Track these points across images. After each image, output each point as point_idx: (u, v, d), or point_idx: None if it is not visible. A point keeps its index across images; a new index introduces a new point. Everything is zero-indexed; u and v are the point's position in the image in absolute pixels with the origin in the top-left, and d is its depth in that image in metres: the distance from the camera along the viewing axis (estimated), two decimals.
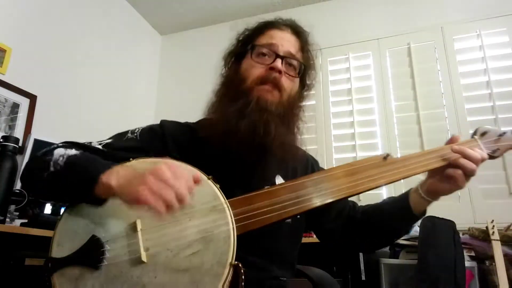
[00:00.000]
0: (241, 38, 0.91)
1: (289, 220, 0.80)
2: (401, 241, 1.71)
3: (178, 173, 0.57)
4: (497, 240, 1.52)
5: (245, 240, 0.63)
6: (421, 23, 2.46)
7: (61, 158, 0.67)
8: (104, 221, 0.65)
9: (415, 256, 1.57)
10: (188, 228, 0.63)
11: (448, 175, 0.75)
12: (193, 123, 0.90)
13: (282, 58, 0.82)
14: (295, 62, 0.85)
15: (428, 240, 1.55)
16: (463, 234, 1.70)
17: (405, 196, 0.83)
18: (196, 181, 0.61)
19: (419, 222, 1.62)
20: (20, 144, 1.71)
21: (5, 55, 1.83)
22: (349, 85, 2.51)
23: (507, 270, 1.45)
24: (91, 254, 0.62)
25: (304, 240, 2.05)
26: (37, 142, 1.78)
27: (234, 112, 0.77)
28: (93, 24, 2.47)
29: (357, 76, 2.52)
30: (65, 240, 0.65)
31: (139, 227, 0.63)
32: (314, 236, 2.13)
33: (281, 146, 0.79)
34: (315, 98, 2.56)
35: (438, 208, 1.87)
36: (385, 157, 0.79)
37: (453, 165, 0.75)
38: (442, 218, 1.62)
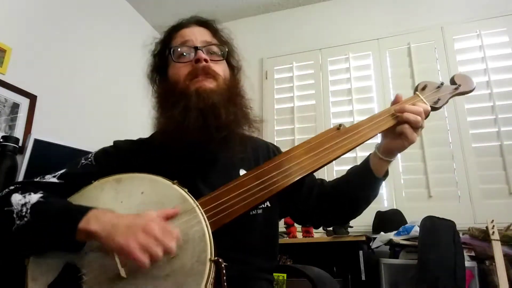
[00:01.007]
0: (156, 52, 0.93)
1: (260, 211, 0.82)
2: (401, 241, 1.71)
3: (165, 228, 0.59)
4: (497, 240, 1.52)
5: (222, 237, 0.64)
6: (421, 23, 2.46)
7: (24, 209, 0.63)
8: None
9: (415, 256, 1.57)
10: None
11: (398, 131, 0.80)
12: (146, 138, 0.91)
13: (202, 48, 0.83)
14: (215, 48, 0.87)
15: (428, 240, 1.55)
16: (463, 234, 1.69)
17: (366, 162, 0.87)
18: (171, 216, 0.63)
19: (419, 222, 1.63)
20: (20, 144, 1.71)
21: (5, 55, 1.83)
22: (349, 85, 2.50)
23: (507, 270, 1.45)
24: (68, 281, 0.61)
25: (304, 240, 2.06)
26: (37, 142, 1.78)
27: (180, 112, 0.77)
28: (93, 24, 2.47)
29: (357, 76, 2.52)
30: (39, 273, 0.63)
31: None
32: (314, 235, 2.14)
33: (236, 123, 0.80)
34: (315, 98, 2.56)
35: (438, 208, 1.89)
36: (338, 127, 0.84)
37: (401, 122, 0.80)
38: (442, 218, 1.62)
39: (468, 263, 1.55)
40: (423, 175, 2.16)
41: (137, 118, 2.78)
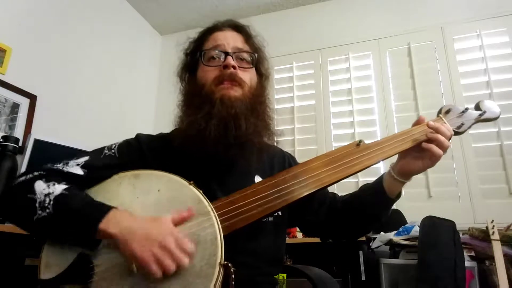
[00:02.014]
0: (188, 51, 0.93)
1: (271, 219, 0.82)
2: (401, 241, 1.71)
3: (181, 242, 0.60)
4: (497, 240, 1.51)
5: (231, 241, 0.64)
6: (421, 23, 2.46)
7: (47, 199, 0.64)
8: None
9: (415, 256, 1.57)
10: None
11: (425, 148, 0.79)
12: (167, 133, 0.91)
13: (231, 54, 0.84)
14: (245, 55, 0.87)
15: (428, 240, 1.54)
16: (463, 234, 1.69)
17: (379, 181, 0.86)
18: (184, 219, 0.64)
19: (419, 222, 1.63)
20: (20, 144, 1.72)
21: (5, 55, 1.83)
22: (349, 85, 2.50)
23: (507, 270, 1.44)
24: (80, 271, 0.62)
25: (304, 240, 2.06)
26: (37, 142, 1.78)
27: (202, 117, 0.78)
28: (93, 24, 2.47)
29: (357, 76, 2.52)
30: (53, 260, 0.64)
31: None
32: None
33: (255, 134, 0.81)
34: (315, 98, 2.56)
35: (438, 208, 1.89)
36: (358, 144, 0.84)
37: (428, 140, 0.80)
38: (442, 218, 1.62)
39: (468, 263, 1.55)
40: (423, 175, 2.15)
41: (137, 118, 2.79)
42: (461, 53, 2.31)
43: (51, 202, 0.64)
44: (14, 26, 1.93)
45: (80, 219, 0.63)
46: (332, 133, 2.45)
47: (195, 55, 0.89)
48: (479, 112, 0.90)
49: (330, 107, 2.51)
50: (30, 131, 1.89)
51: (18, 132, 1.85)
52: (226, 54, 0.84)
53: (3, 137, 1.60)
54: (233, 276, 0.59)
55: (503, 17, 2.26)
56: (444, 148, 0.79)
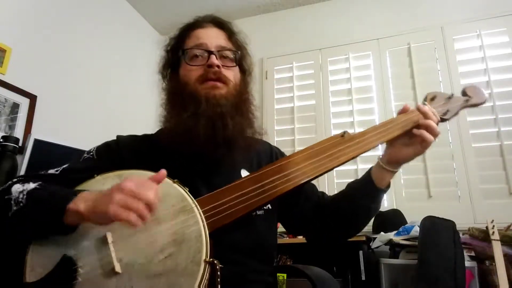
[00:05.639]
0: (169, 48, 0.92)
1: (261, 212, 0.81)
2: (401, 241, 1.71)
3: (141, 182, 0.59)
4: (497, 240, 1.51)
5: (221, 237, 0.64)
6: (421, 23, 2.46)
7: (21, 195, 0.66)
8: (74, 240, 0.65)
9: (415, 256, 1.57)
10: (159, 232, 0.63)
11: (416, 134, 0.78)
12: (151, 134, 0.91)
13: (215, 52, 0.83)
14: (228, 53, 0.86)
15: (428, 240, 1.54)
16: (463, 234, 1.69)
17: (367, 173, 0.85)
18: (158, 180, 0.62)
19: (419, 222, 1.63)
20: (20, 144, 1.71)
21: (5, 55, 1.83)
22: (349, 85, 2.50)
23: (507, 270, 1.44)
24: (63, 273, 0.62)
25: (304, 240, 2.05)
26: (37, 142, 1.78)
27: (189, 117, 0.77)
28: (93, 24, 2.47)
29: (357, 76, 2.52)
30: (37, 263, 0.64)
31: (109, 239, 0.63)
32: None
33: (241, 133, 0.81)
34: (315, 98, 2.56)
35: (438, 208, 1.89)
36: (343, 135, 0.82)
37: (418, 126, 0.79)
38: (442, 218, 1.62)
39: (468, 263, 1.55)
40: (423, 175, 2.16)
41: (137, 118, 2.78)
42: (461, 53, 2.30)
43: (24, 196, 0.65)
44: (14, 26, 1.93)
45: (50, 203, 0.63)
46: (332, 133, 2.44)
47: (177, 53, 0.88)
48: (465, 97, 0.89)
49: (330, 107, 2.51)
50: (30, 131, 1.89)
51: (18, 132, 1.85)
52: (210, 53, 0.83)
53: (3, 137, 1.60)
54: (219, 273, 0.58)
55: (503, 17, 2.26)
56: (435, 134, 0.78)
